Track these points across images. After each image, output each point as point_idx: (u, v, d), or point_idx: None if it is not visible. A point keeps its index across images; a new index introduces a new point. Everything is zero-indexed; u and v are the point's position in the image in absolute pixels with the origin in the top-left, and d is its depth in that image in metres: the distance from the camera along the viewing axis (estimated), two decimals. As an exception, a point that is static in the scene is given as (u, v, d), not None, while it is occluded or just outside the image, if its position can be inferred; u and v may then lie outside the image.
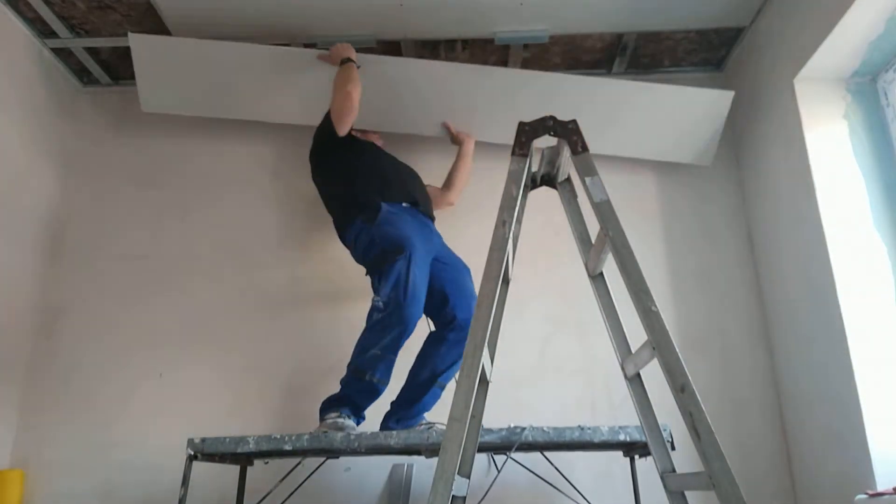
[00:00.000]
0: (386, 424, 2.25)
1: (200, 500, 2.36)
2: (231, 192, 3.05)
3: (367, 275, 2.37)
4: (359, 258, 2.40)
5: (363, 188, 2.41)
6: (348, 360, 2.28)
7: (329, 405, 2.19)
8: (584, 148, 1.54)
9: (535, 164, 1.77)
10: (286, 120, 2.91)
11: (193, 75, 2.79)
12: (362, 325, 2.43)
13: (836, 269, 2.29)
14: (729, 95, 2.82)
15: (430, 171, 2.79)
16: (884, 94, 2.46)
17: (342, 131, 2.42)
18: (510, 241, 1.51)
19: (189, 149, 3.13)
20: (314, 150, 2.55)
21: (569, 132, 1.57)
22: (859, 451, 2.15)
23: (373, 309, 2.21)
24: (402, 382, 2.33)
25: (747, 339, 2.78)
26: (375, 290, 2.25)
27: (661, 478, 1.48)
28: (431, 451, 1.99)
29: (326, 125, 2.45)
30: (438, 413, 2.36)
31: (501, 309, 1.70)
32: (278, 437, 2.01)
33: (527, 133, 1.59)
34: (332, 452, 2.14)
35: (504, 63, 3.08)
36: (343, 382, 2.22)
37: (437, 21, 2.77)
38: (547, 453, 2.28)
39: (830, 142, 2.44)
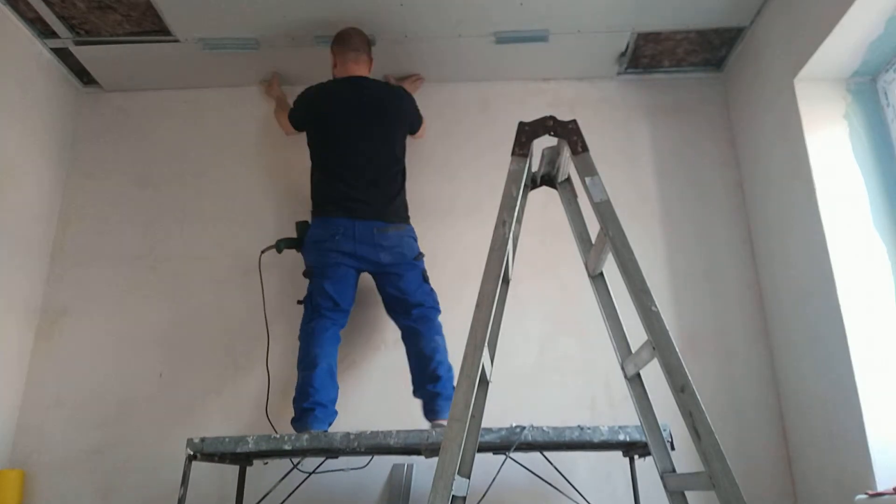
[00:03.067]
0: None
1: (200, 500, 2.36)
2: (231, 191, 3.05)
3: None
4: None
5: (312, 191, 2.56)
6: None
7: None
8: (584, 148, 1.54)
9: (535, 164, 1.77)
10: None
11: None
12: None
13: (836, 269, 2.29)
14: None
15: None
16: (884, 94, 2.46)
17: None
18: (510, 241, 1.51)
19: (189, 149, 3.13)
20: None
21: (569, 132, 1.57)
22: (859, 451, 2.15)
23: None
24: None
25: (747, 339, 2.78)
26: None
27: (661, 478, 1.48)
28: (431, 451, 1.99)
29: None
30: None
31: (501, 309, 1.70)
32: (278, 436, 2.01)
33: (527, 133, 1.59)
34: (332, 452, 2.15)
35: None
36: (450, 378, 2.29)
37: (437, 21, 2.77)
38: (547, 453, 2.28)
39: (830, 142, 2.44)
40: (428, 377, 2.28)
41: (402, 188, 2.56)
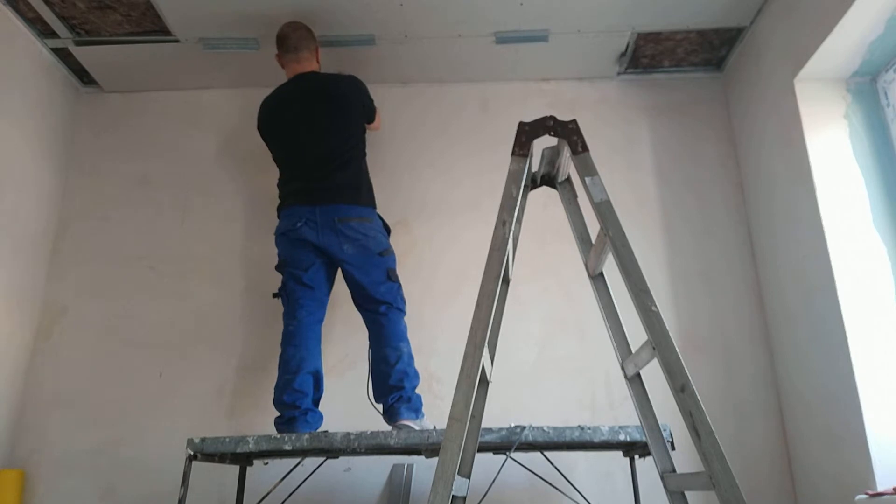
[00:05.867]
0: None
1: (200, 500, 2.35)
2: (231, 191, 3.06)
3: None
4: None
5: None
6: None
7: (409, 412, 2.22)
8: (584, 148, 1.54)
9: (535, 164, 1.77)
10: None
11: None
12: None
13: (836, 269, 2.30)
14: None
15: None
16: (884, 94, 2.46)
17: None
18: (510, 241, 1.51)
19: (189, 149, 3.13)
20: None
21: (569, 132, 1.57)
22: (859, 451, 2.15)
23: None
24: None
25: (747, 339, 2.78)
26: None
27: (661, 478, 1.48)
28: (431, 451, 1.99)
29: None
30: (439, 413, 2.36)
31: (501, 309, 1.70)
32: (278, 437, 2.01)
33: (527, 133, 1.59)
34: (332, 452, 2.15)
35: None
36: (413, 386, 2.27)
37: (437, 21, 2.77)
38: (547, 453, 2.28)
39: (830, 142, 2.44)
40: (390, 387, 2.25)
41: (359, 172, 2.50)
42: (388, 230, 2.52)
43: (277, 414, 2.26)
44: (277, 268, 2.47)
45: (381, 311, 2.35)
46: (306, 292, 2.38)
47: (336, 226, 2.34)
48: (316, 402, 2.32)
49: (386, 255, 2.42)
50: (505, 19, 2.79)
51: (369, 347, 2.37)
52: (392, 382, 2.25)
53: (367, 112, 2.62)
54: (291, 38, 2.60)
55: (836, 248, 2.32)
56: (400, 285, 2.42)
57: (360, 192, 2.45)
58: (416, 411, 2.25)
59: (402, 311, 2.40)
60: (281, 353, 2.35)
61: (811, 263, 2.42)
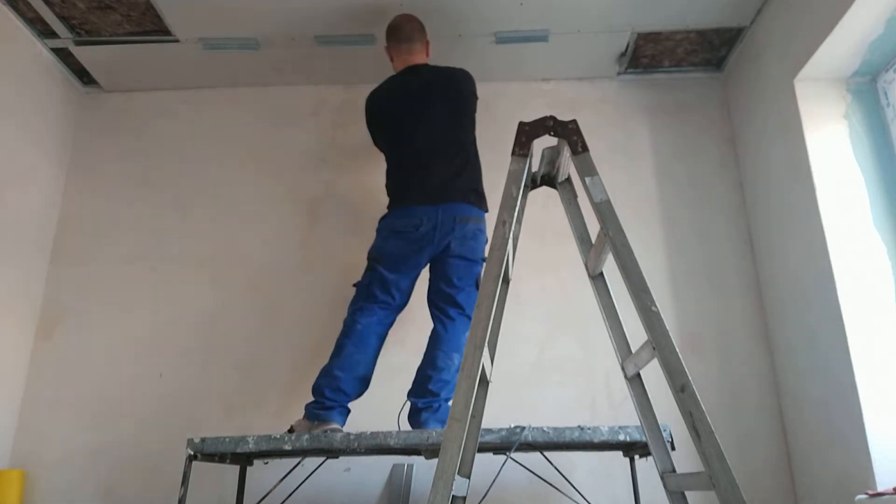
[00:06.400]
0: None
1: (200, 500, 2.36)
2: (231, 191, 3.05)
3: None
4: None
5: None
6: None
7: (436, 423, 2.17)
8: (584, 148, 1.54)
9: (535, 164, 1.77)
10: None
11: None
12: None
13: (836, 268, 2.30)
14: None
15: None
16: (884, 94, 2.46)
17: None
18: (510, 241, 1.51)
19: (189, 149, 3.13)
20: None
21: (569, 132, 1.57)
22: (859, 451, 2.15)
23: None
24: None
25: (747, 339, 2.78)
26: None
27: (661, 478, 1.48)
28: (431, 451, 1.99)
29: None
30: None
31: (501, 309, 1.70)
32: (278, 437, 2.00)
33: (527, 133, 1.59)
34: (332, 452, 2.14)
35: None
36: (448, 398, 2.22)
37: (437, 21, 2.77)
38: (547, 453, 2.28)
39: (830, 142, 2.44)
40: (426, 391, 2.22)
41: (472, 169, 2.43)
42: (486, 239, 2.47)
43: (311, 399, 2.22)
44: (369, 257, 2.39)
45: (451, 316, 2.31)
46: (387, 299, 2.33)
47: (455, 224, 2.29)
48: (352, 398, 2.28)
49: (482, 262, 2.36)
50: (505, 19, 2.79)
51: (427, 348, 2.32)
52: (430, 386, 2.21)
53: (475, 106, 2.54)
54: (405, 29, 2.56)
55: (836, 247, 2.32)
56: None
57: (479, 191, 2.41)
58: (442, 423, 2.19)
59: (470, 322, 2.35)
60: (341, 344, 2.28)
61: (811, 263, 2.42)
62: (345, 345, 2.28)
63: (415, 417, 2.20)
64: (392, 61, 2.62)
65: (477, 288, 2.31)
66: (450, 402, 2.18)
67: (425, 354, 2.30)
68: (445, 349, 2.26)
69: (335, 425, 2.15)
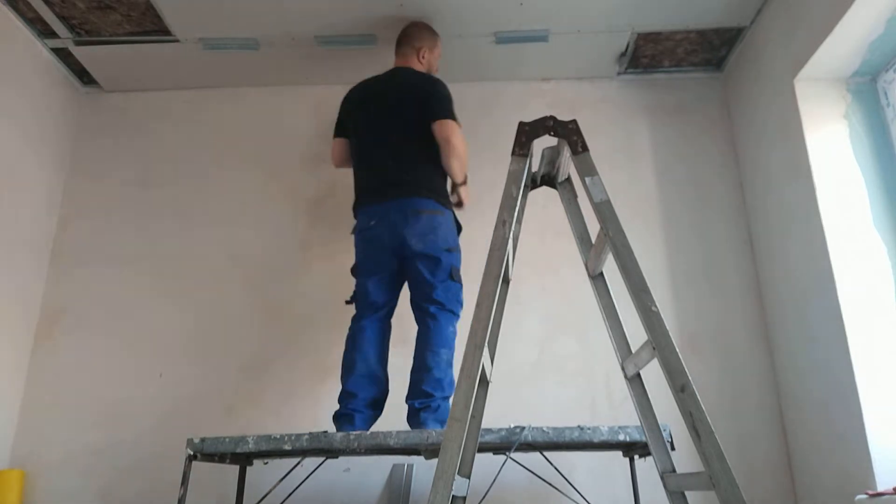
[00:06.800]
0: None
1: (200, 500, 2.36)
2: (231, 191, 3.06)
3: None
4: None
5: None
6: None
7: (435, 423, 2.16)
8: (584, 148, 1.54)
9: (535, 164, 1.77)
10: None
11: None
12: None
13: (836, 268, 2.29)
14: None
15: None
16: (884, 94, 2.46)
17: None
18: (510, 241, 1.51)
19: (189, 149, 3.13)
20: None
21: (569, 132, 1.57)
22: (859, 451, 2.15)
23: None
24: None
25: (747, 339, 2.78)
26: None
27: (661, 478, 1.48)
28: (431, 451, 1.99)
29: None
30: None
31: (501, 309, 1.70)
32: (278, 437, 2.00)
33: (527, 133, 1.59)
34: (332, 452, 2.14)
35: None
36: (444, 396, 2.21)
37: (437, 21, 2.76)
38: (547, 453, 2.28)
39: (830, 142, 2.44)
40: (421, 392, 2.20)
41: (428, 168, 2.39)
42: (459, 228, 2.46)
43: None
44: (353, 271, 2.42)
45: (431, 312, 2.28)
46: (370, 306, 2.34)
47: (408, 220, 2.28)
48: (374, 402, 2.27)
49: (451, 251, 2.34)
50: (505, 19, 2.79)
51: (415, 349, 2.30)
52: (424, 387, 2.20)
53: (435, 112, 2.38)
54: (405, 31, 2.64)
55: (836, 247, 2.32)
56: (461, 286, 2.34)
57: (433, 188, 2.38)
58: (442, 423, 2.17)
59: (455, 315, 2.32)
60: (343, 356, 2.34)
61: (811, 263, 2.42)
62: (343, 355, 2.32)
63: (413, 419, 2.19)
64: None
65: (452, 279, 2.31)
66: (449, 401, 2.19)
67: (415, 357, 2.28)
68: (433, 347, 2.25)
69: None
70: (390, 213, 2.30)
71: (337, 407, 2.25)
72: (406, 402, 2.24)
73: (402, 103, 2.44)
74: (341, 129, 2.62)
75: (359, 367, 2.27)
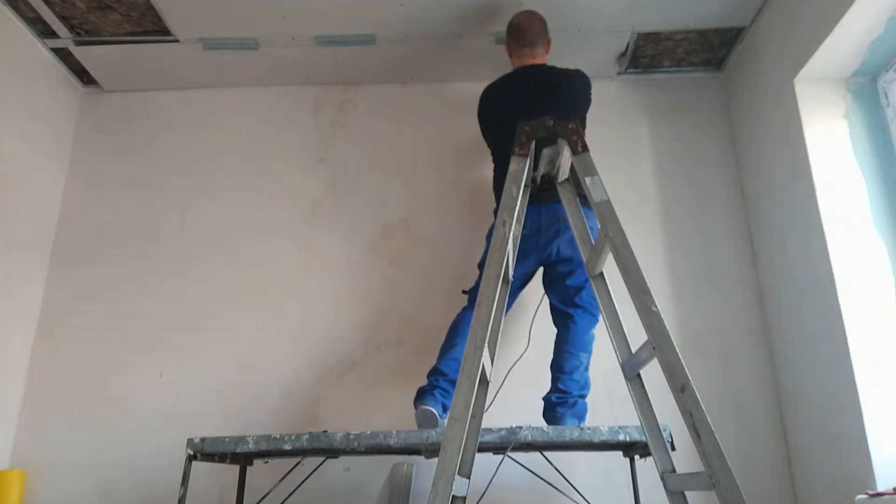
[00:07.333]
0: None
1: (200, 500, 2.35)
2: (231, 192, 3.05)
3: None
4: None
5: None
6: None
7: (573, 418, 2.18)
8: (584, 148, 1.55)
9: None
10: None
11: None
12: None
13: (836, 268, 2.29)
14: None
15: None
16: (884, 94, 2.46)
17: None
18: (510, 241, 1.51)
19: (189, 149, 3.13)
20: None
21: (569, 132, 1.57)
22: (859, 452, 2.15)
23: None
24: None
25: (747, 339, 2.77)
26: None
27: (661, 478, 1.49)
28: (431, 451, 1.99)
29: None
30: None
31: (501, 309, 1.70)
32: (278, 436, 2.01)
33: (527, 133, 1.59)
34: (332, 452, 2.14)
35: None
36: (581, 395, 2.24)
37: (437, 21, 2.77)
38: (547, 453, 2.28)
39: (830, 142, 2.44)
40: (557, 389, 2.24)
41: None
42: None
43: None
44: (480, 265, 2.39)
45: (573, 316, 2.29)
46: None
47: (559, 225, 2.25)
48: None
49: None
50: (505, 19, 2.78)
51: (554, 351, 2.33)
52: (560, 385, 2.23)
53: (587, 110, 2.48)
54: (529, 33, 2.52)
55: (836, 247, 2.32)
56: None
57: (582, 193, 2.37)
58: (580, 418, 2.19)
59: (595, 318, 2.32)
60: (445, 338, 2.34)
61: (811, 263, 2.42)
62: (448, 334, 2.33)
63: (549, 412, 2.22)
64: (511, 58, 2.59)
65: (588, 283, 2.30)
66: (586, 399, 2.26)
67: (553, 359, 2.33)
68: (571, 350, 2.27)
69: (426, 407, 2.14)
70: (542, 218, 2.28)
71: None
72: (543, 398, 2.29)
73: (560, 103, 2.40)
74: (484, 132, 2.58)
75: (455, 351, 2.27)
